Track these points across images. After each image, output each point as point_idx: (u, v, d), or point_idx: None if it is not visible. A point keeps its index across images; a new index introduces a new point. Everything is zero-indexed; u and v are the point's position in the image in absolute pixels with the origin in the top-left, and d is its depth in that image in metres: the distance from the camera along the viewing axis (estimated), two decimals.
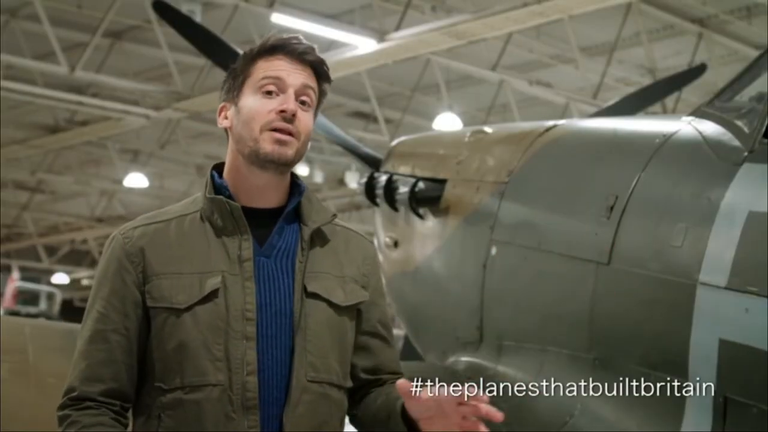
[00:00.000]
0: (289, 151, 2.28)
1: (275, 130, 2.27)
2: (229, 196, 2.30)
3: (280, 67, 2.31)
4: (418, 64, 15.44)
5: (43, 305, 26.04)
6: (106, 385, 2.22)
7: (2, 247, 27.17)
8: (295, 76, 2.30)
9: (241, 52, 6.31)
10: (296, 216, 2.35)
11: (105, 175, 23.19)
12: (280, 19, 12.80)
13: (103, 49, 15.04)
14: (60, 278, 31.43)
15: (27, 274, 28.22)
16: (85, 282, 32.09)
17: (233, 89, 2.35)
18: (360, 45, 13.14)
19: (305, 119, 2.30)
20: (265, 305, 2.24)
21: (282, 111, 2.27)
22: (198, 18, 11.84)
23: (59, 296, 27.17)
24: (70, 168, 22.44)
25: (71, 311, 26.70)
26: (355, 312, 2.37)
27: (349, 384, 2.36)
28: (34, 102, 16.32)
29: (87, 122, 17.80)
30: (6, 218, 26.09)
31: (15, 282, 26.20)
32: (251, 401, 2.19)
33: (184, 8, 11.79)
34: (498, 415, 2.07)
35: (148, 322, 2.25)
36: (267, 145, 2.27)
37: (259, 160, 2.28)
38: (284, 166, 2.30)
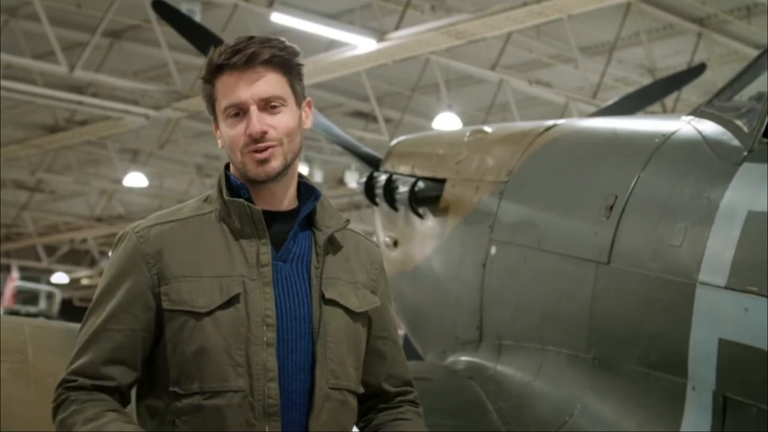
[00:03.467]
0: (274, 163, 2.25)
1: (252, 151, 2.25)
2: (248, 199, 2.28)
3: (232, 86, 2.25)
4: (418, 63, 15.44)
5: (42, 305, 26.02)
6: (105, 382, 2.19)
7: (2, 247, 27.16)
8: (250, 88, 2.25)
9: None
10: (308, 220, 2.33)
11: (104, 174, 23.19)
12: (279, 18, 12.79)
13: (102, 48, 15.04)
14: (59, 278, 31.43)
15: (27, 274, 28.22)
16: (84, 282, 32.11)
17: (210, 114, 2.34)
18: (360, 45, 13.14)
19: (280, 122, 2.26)
20: (283, 311, 2.23)
21: (248, 135, 2.24)
22: (198, 17, 11.84)
23: (59, 296, 27.16)
24: (70, 168, 22.43)
25: (71, 311, 26.73)
26: (367, 318, 2.37)
27: (361, 390, 2.35)
28: (33, 102, 16.33)
29: (86, 122, 17.81)
30: (6, 218, 26.08)
31: (14, 281, 26.20)
32: (273, 408, 2.18)
33: (184, 8, 11.79)
34: None
35: (158, 324, 2.22)
36: (251, 168, 2.25)
37: (250, 180, 2.28)
38: (276, 177, 2.28)
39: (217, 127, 2.33)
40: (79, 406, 2.15)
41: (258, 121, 2.24)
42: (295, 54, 2.31)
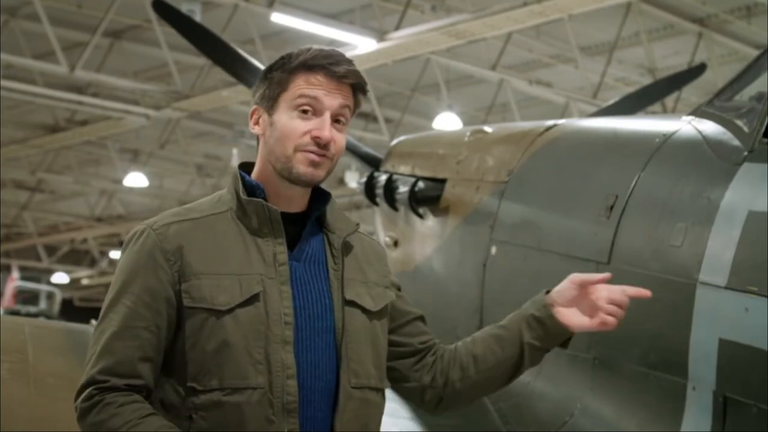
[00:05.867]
0: (322, 173, 2.32)
1: (311, 151, 2.29)
2: (265, 199, 2.31)
3: (318, 86, 2.31)
4: (418, 63, 15.45)
5: (42, 305, 26.05)
6: (136, 381, 2.20)
7: (2, 247, 27.17)
8: (333, 97, 2.31)
9: (240, 51, 6.25)
10: (317, 222, 2.38)
11: (105, 174, 23.20)
12: (279, 18, 12.81)
13: (102, 48, 15.05)
14: (60, 278, 31.44)
15: (27, 274, 28.24)
16: (85, 282, 32.13)
17: (268, 98, 2.35)
18: (360, 44, 13.15)
19: (339, 140, 2.33)
20: (300, 309, 2.27)
21: (316, 137, 2.29)
22: (198, 17, 11.84)
23: (59, 296, 27.18)
24: (70, 168, 22.44)
25: (71, 311, 26.77)
26: (385, 314, 2.43)
27: (387, 385, 2.41)
28: (33, 102, 16.35)
29: (87, 122, 17.82)
30: (6, 218, 26.10)
31: (15, 281, 26.22)
32: (292, 404, 2.21)
33: (184, 8, 11.80)
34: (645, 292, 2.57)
35: (177, 321, 2.24)
36: (300, 166, 2.30)
37: (291, 178, 2.31)
38: (312, 184, 2.34)
39: (261, 113, 2.35)
40: (117, 410, 2.16)
41: (329, 129, 2.30)
42: (367, 90, 2.41)
